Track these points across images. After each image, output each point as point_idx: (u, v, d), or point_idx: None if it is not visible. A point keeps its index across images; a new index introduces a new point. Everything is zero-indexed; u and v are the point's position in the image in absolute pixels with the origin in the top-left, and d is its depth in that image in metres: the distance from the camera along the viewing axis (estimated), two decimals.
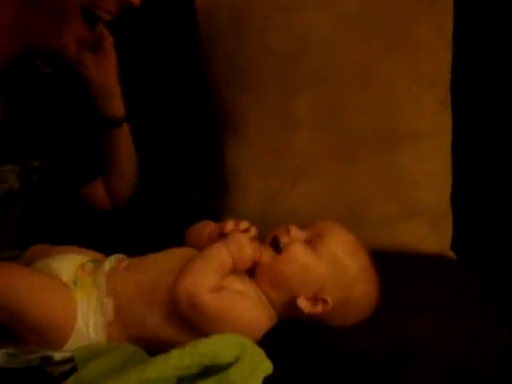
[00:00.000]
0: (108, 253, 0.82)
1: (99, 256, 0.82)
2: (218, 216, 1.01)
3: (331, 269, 0.74)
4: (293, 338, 0.74)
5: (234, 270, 0.74)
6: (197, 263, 0.71)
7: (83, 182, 1.02)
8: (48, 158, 0.93)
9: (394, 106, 1.05)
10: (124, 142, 1.00)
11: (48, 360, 0.69)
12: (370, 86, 1.04)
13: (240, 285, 0.74)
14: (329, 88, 1.04)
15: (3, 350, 0.70)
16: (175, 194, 1.21)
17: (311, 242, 0.76)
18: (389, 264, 0.90)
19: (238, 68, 1.05)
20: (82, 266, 0.77)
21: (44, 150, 0.92)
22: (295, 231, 0.77)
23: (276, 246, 0.77)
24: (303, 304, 0.73)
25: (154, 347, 0.70)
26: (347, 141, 1.04)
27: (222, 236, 0.76)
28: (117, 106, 0.97)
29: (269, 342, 0.70)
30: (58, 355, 0.69)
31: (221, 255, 0.72)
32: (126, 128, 0.99)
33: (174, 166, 1.22)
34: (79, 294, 0.73)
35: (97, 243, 0.88)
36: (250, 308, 0.72)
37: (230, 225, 0.77)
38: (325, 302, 0.74)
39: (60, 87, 0.94)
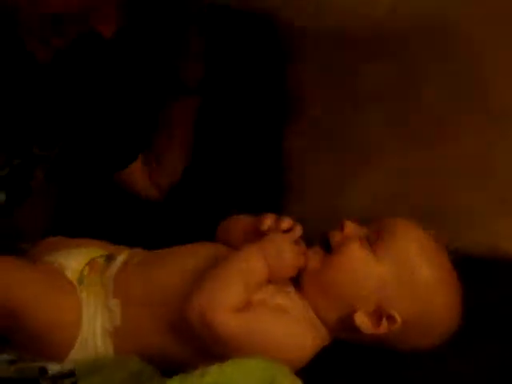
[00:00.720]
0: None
1: (121, 251, 0.68)
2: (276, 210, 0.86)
3: (398, 275, 0.57)
4: (348, 365, 0.58)
5: (274, 280, 0.58)
6: (218, 273, 0.56)
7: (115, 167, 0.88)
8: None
9: (482, 77, 0.84)
10: (189, 115, 0.87)
11: (43, 372, 0.56)
12: (452, 53, 0.85)
13: (282, 297, 0.58)
14: (402, 57, 0.85)
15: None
16: (230, 185, 1.05)
17: (372, 241, 0.59)
18: (474, 270, 0.72)
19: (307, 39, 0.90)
20: (92, 262, 0.63)
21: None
22: (351, 227, 0.60)
23: (327, 247, 0.60)
24: (362, 321, 0.56)
25: (167, 365, 0.56)
26: (424, 121, 0.85)
27: (259, 234, 0.60)
28: (199, 71, 0.85)
29: (315, 369, 0.55)
30: (54, 367, 0.57)
31: (252, 262, 0.56)
32: (197, 100, 0.87)
33: (230, 155, 1.06)
34: (85, 294, 0.60)
35: (136, 237, 0.76)
36: (291, 328, 0.56)
37: (267, 221, 0.61)
38: (390, 318, 0.56)
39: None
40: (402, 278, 0.57)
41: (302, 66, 0.92)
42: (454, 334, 0.60)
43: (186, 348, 0.57)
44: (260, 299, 0.56)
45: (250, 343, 0.53)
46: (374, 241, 0.59)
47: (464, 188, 0.84)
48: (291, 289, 0.60)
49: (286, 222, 0.61)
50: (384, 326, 0.56)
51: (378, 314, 0.57)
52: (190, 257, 0.61)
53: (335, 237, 0.60)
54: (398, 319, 0.56)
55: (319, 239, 0.61)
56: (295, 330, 0.56)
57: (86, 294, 0.60)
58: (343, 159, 0.88)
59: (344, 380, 0.57)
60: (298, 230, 0.61)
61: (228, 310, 0.53)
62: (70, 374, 0.57)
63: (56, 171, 0.84)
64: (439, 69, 0.85)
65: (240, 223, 0.65)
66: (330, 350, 0.59)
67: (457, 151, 0.84)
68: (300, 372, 0.52)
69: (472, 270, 0.69)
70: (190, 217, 0.95)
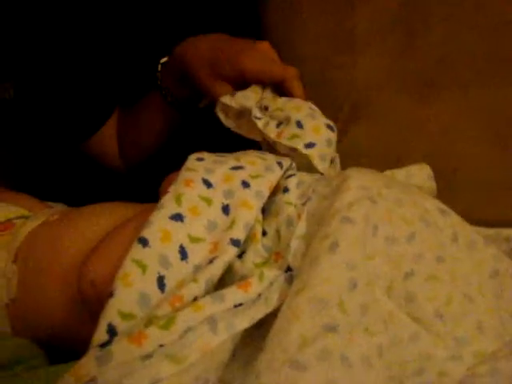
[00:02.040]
0: None
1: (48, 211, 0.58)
2: None
3: None
4: None
5: None
6: (125, 231, 0.43)
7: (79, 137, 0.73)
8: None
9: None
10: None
11: None
12: None
13: None
14: None
15: None
16: None
17: None
18: None
19: None
20: (7, 222, 0.54)
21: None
22: None
23: None
24: None
25: (69, 346, 0.46)
26: (428, 66, 0.68)
27: None
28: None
29: None
30: None
31: None
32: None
33: None
34: None
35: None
36: None
37: None
38: None
39: None
40: None
41: None
42: None
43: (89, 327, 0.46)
44: None
45: None
46: None
47: (473, 150, 0.66)
48: None
49: None
50: None
51: None
52: (102, 217, 0.50)
53: None
54: None
55: None
56: None
57: None
58: (333, 110, 0.71)
59: None
60: None
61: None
62: None
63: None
64: None
65: None
66: None
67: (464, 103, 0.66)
68: None
69: None
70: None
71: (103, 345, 0.33)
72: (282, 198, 0.45)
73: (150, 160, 0.76)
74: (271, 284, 0.39)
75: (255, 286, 0.38)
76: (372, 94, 0.70)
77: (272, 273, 0.40)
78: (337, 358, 0.35)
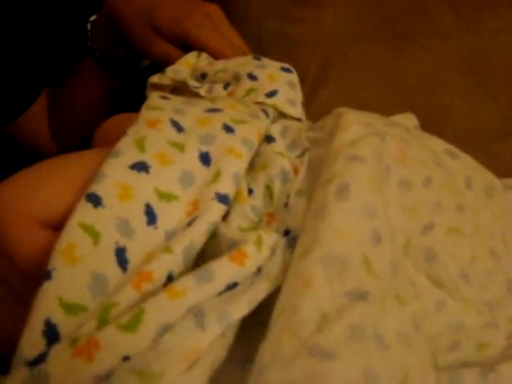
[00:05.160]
0: None
1: None
2: None
3: None
4: None
5: None
6: (47, 167, 0.29)
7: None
8: None
9: None
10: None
11: None
12: None
13: None
14: None
15: None
16: None
17: None
18: None
19: None
20: None
21: None
22: None
23: None
24: None
25: None
26: (402, 13, 0.60)
27: None
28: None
29: None
30: None
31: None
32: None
33: None
34: None
35: None
36: None
37: None
38: None
39: None
40: None
41: None
42: None
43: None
44: None
45: None
46: None
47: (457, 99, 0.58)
48: None
49: None
50: None
51: None
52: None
53: None
54: None
55: None
56: None
57: None
58: (302, 63, 0.62)
59: None
60: None
61: (37, 219, 0.27)
62: None
63: None
64: None
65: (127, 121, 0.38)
66: None
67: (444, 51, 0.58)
68: None
69: None
70: None
71: (36, 361, 0.21)
72: (267, 148, 0.35)
73: (87, 140, 0.64)
74: (273, 252, 0.28)
75: (253, 257, 0.27)
76: (341, 49, 0.60)
77: (272, 237, 0.29)
78: (371, 337, 0.25)
